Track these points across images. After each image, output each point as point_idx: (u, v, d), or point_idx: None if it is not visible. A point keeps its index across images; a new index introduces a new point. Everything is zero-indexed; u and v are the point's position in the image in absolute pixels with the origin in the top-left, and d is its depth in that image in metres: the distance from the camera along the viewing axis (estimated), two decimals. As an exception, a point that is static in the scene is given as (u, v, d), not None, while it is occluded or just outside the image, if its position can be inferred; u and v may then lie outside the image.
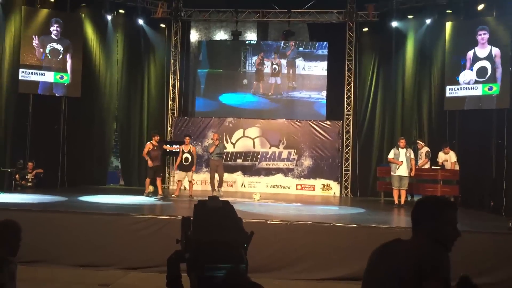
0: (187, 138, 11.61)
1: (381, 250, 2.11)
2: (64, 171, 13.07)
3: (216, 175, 12.02)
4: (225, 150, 12.97)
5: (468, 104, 11.92)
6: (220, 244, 2.81)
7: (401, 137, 11.72)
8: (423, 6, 12.90)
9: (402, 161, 10.84)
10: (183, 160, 11.32)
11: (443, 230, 2.04)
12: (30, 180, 12.15)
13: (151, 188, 11.50)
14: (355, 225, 7.42)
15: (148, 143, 11.15)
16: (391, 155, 11.15)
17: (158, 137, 11.20)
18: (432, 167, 11.35)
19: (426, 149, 11.66)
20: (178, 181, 11.63)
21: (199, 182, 13.88)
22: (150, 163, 10.93)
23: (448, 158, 11.31)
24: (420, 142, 11.90)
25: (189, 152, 11.33)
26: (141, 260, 7.00)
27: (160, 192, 11.04)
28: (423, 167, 11.38)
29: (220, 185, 12.10)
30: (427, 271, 1.88)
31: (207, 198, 3.20)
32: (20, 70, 12.69)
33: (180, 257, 2.82)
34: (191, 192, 11.36)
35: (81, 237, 7.18)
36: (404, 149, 11.05)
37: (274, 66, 14.58)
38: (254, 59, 14.67)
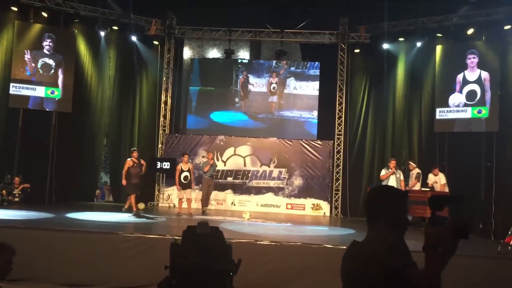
0: (186, 156, 11.72)
1: (345, 261, 2.12)
2: (52, 187, 12.90)
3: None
4: (216, 169, 12.98)
5: (457, 126, 12.05)
6: (205, 272, 2.78)
7: (391, 158, 11.84)
8: (414, 29, 13.08)
9: (393, 172, 10.99)
10: (182, 179, 11.34)
11: (402, 218, 2.11)
12: (17, 195, 12.01)
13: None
14: (344, 247, 7.35)
15: (129, 159, 11.10)
16: (383, 173, 11.32)
17: (137, 153, 11.09)
18: (422, 188, 11.39)
19: (417, 170, 11.70)
20: (180, 199, 11.58)
21: (189, 200, 13.79)
22: (124, 182, 10.95)
23: (438, 180, 11.37)
24: (412, 163, 11.94)
25: (188, 170, 11.39)
26: (129, 279, 6.91)
27: (134, 208, 10.83)
28: (412, 189, 11.42)
29: (206, 204, 12.13)
30: (398, 261, 1.91)
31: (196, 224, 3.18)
32: (11, 84, 12.63)
33: (169, 284, 2.79)
34: (190, 210, 11.35)
35: (68, 255, 7.08)
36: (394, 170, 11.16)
37: (273, 85, 14.65)
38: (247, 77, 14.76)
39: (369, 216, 2.15)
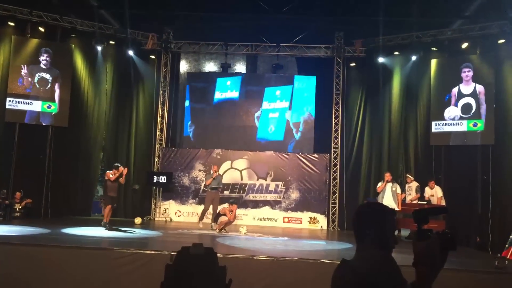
0: None
1: (335, 281, 2.08)
2: (48, 201, 12.84)
3: (211, 209, 11.97)
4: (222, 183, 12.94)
5: (453, 139, 12.09)
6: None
7: (386, 171, 11.85)
8: (409, 43, 13.20)
9: (387, 181, 11.03)
10: None
11: (389, 235, 2.06)
12: (17, 210, 11.97)
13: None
14: (342, 262, 7.33)
15: (108, 172, 10.96)
16: (379, 185, 11.34)
17: (116, 171, 10.90)
18: (419, 202, 11.39)
19: (415, 184, 11.70)
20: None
21: (186, 214, 13.76)
22: (114, 176, 10.80)
23: (434, 193, 11.38)
24: (409, 176, 11.96)
25: None
26: (125, 296, 6.84)
27: (106, 220, 10.70)
28: (412, 202, 11.41)
29: (215, 220, 11.90)
30: (388, 282, 1.89)
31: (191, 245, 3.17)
32: (8, 99, 12.64)
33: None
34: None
35: (63, 271, 7.01)
36: (390, 183, 11.16)
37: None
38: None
39: (356, 235, 2.12)
